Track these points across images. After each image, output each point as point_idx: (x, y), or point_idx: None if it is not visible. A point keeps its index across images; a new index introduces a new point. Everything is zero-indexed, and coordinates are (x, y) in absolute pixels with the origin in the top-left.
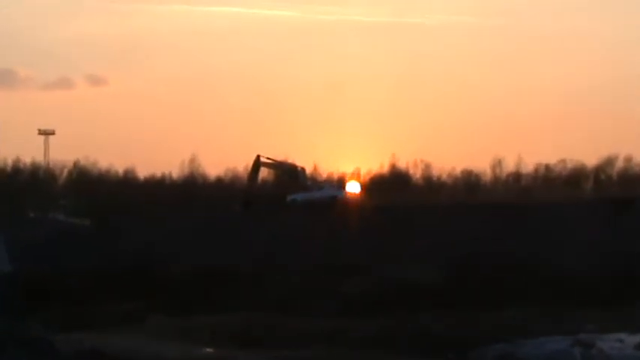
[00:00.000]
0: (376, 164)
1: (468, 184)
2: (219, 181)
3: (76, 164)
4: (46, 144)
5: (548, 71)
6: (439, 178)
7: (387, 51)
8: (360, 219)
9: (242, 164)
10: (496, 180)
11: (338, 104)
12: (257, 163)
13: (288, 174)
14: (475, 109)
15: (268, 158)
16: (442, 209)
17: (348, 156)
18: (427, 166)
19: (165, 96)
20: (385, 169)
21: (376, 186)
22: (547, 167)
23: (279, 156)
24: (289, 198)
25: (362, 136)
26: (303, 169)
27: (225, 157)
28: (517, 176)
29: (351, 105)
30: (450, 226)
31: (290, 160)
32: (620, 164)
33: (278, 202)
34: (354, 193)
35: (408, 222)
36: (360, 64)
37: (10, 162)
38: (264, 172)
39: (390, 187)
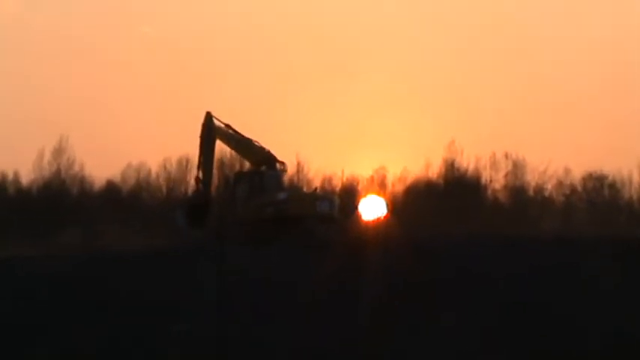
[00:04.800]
0: (418, 162)
1: (595, 200)
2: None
3: None
4: None
5: None
6: (539, 188)
7: None
8: (384, 268)
9: None
10: None
11: (343, 60)
12: (209, 128)
13: (265, 164)
14: (601, 66)
15: (228, 126)
16: (544, 247)
17: (362, 148)
18: (518, 167)
19: None
20: (437, 170)
21: (419, 202)
22: None
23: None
24: None
25: (390, 112)
26: (283, 166)
27: None
28: None
29: (370, 60)
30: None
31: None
32: None
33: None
34: (375, 217)
35: (478, 274)
36: None
37: None
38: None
39: (447, 204)
